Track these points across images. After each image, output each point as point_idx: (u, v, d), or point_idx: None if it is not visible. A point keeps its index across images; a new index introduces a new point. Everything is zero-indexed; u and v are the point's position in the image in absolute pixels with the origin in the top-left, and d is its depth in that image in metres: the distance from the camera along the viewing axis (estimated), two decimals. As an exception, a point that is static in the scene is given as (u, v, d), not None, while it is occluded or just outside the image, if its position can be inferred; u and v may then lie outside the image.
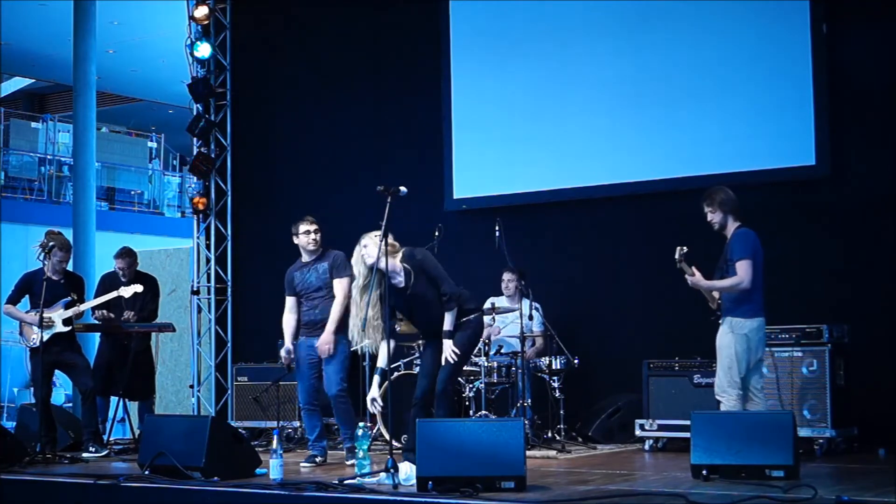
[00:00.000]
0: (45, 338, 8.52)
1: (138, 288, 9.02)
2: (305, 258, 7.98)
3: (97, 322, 9.39)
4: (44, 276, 8.58)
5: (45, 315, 8.44)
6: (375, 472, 6.39)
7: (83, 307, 8.86)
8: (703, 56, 9.18)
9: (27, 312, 8.67)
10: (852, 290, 8.48)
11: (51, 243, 8.59)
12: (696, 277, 7.09)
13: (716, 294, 7.20)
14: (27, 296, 8.76)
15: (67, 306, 8.67)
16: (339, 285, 7.74)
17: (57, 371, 9.05)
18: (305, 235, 7.92)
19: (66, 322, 8.66)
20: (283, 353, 7.98)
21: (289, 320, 7.92)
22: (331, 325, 7.70)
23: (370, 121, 10.92)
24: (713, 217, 7.15)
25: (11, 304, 8.78)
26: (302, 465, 7.67)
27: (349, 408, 7.80)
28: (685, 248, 7.07)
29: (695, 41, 9.23)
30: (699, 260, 7.26)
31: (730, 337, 6.96)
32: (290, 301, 7.94)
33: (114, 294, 9.00)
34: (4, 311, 8.84)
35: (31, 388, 9.79)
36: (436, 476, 5.87)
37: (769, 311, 8.15)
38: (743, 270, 6.91)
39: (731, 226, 7.11)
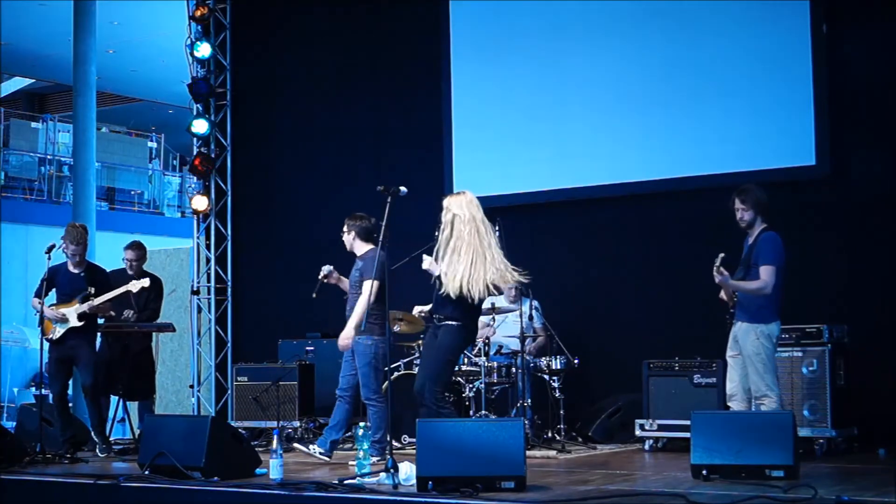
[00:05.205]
0: (60, 333, 8.62)
1: (145, 282, 9.00)
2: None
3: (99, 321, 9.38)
4: (49, 273, 8.69)
5: (61, 311, 8.60)
6: (375, 472, 6.40)
7: (96, 302, 8.86)
8: (703, 56, 9.18)
9: (50, 307, 8.75)
10: (852, 290, 8.48)
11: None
12: (724, 276, 7.04)
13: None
14: (53, 290, 8.85)
15: (83, 300, 8.70)
16: (366, 285, 7.53)
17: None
18: None
19: (80, 317, 8.69)
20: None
21: None
22: (351, 321, 7.55)
23: (370, 121, 10.91)
24: (744, 214, 7.17)
25: (38, 298, 8.83)
26: (311, 447, 7.79)
27: (380, 412, 7.58)
28: (723, 254, 7.00)
29: (695, 41, 9.24)
30: (695, 259, 7.26)
31: (757, 343, 7.03)
32: None
33: (124, 289, 8.98)
34: (33, 304, 8.90)
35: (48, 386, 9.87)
36: (436, 476, 5.87)
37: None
38: (768, 275, 6.98)
39: (758, 227, 7.16)
